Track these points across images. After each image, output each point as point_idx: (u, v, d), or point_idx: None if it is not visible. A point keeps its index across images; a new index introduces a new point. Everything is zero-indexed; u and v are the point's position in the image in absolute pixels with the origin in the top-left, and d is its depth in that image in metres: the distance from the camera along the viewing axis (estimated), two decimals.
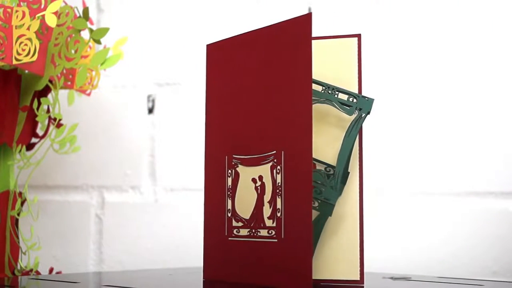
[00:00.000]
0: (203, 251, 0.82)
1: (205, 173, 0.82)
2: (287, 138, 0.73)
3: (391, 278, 0.86)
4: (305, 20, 0.73)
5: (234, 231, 0.78)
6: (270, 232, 0.74)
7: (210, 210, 0.81)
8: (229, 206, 0.79)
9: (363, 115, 0.77)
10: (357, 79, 0.79)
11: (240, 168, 0.78)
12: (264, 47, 0.77)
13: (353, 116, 0.78)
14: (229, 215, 0.79)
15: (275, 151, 0.75)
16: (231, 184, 0.79)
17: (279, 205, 0.74)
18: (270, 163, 0.75)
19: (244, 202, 0.78)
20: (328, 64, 0.80)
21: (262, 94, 0.77)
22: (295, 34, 0.73)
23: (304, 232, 0.71)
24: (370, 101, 0.77)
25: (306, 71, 0.72)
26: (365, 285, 0.77)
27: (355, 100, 0.78)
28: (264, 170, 0.76)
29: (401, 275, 0.90)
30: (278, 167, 0.74)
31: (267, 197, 0.75)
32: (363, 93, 0.79)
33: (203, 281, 0.81)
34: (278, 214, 0.74)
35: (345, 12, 1.10)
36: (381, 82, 1.07)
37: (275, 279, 0.73)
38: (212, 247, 0.81)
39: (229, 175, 0.79)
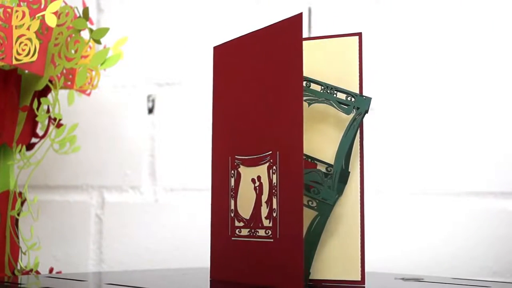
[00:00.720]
0: (210, 251, 0.82)
1: (212, 174, 0.82)
2: (281, 138, 0.73)
3: (402, 279, 0.85)
4: (296, 21, 0.73)
5: (236, 231, 0.78)
6: (267, 232, 0.74)
7: (216, 211, 0.82)
8: (232, 206, 0.79)
9: (361, 114, 0.77)
10: (358, 78, 0.79)
11: (242, 169, 0.78)
12: (260, 48, 0.77)
13: (351, 115, 0.77)
14: (232, 215, 0.79)
15: (271, 152, 0.74)
16: (234, 184, 0.79)
17: (275, 205, 0.74)
18: (267, 164, 0.75)
19: (245, 202, 0.78)
20: (329, 63, 0.79)
21: (260, 95, 0.76)
22: (287, 34, 0.73)
23: (296, 231, 0.70)
24: (367, 100, 0.77)
25: (298, 71, 0.72)
26: (367, 285, 0.76)
27: (353, 99, 0.77)
28: (262, 170, 0.76)
29: (412, 275, 0.89)
30: (274, 167, 0.74)
31: (265, 197, 0.75)
32: (364, 92, 0.79)
33: (210, 280, 0.81)
34: (274, 214, 0.74)
35: (346, 12, 1.10)
36: (382, 81, 1.07)
37: (273, 279, 0.73)
38: (217, 247, 0.81)
39: (232, 175, 0.79)
